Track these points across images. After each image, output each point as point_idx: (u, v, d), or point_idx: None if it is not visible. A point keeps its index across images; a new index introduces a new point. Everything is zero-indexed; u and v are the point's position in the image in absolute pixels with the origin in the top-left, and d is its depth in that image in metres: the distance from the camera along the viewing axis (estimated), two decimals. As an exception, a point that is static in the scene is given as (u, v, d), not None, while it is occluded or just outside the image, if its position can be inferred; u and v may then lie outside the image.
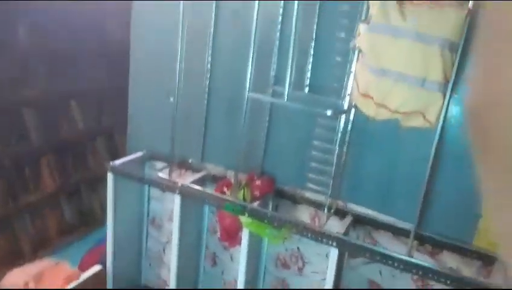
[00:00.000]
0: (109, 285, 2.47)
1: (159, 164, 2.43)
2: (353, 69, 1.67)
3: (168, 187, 2.18)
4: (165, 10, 2.22)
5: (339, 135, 1.76)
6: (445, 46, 1.50)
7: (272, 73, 2.00)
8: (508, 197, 0.37)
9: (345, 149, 1.92)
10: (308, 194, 2.09)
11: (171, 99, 2.11)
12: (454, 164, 1.76)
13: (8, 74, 2.82)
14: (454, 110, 1.71)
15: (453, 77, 1.54)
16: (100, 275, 2.40)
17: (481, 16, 0.41)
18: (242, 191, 2.04)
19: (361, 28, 1.59)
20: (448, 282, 1.68)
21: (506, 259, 0.37)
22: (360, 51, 1.64)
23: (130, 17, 2.41)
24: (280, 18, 1.92)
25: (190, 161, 2.35)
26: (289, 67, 1.79)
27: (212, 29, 2.12)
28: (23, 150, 2.91)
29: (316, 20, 1.85)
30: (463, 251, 1.85)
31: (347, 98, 1.72)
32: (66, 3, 2.97)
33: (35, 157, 2.95)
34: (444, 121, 1.62)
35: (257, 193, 2.07)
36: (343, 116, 1.74)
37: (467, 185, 1.77)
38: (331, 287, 1.91)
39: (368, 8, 1.64)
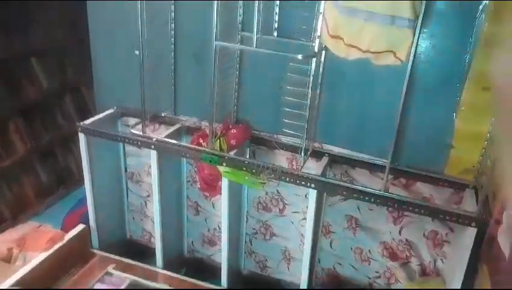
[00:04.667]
0: (95, 242, 2.50)
1: (132, 120, 2.38)
2: (322, 10, 1.63)
3: (143, 143, 2.15)
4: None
5: (311, 77, 1.75)
6: (413, -20, 1.47)
7: (239, 18, 1.93)
8: None
9: (318, 91, 1.91)
10: (284, 139, 2.11)
11: (137, 52, 2.03)
12: (425, 98, 1.78)
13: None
14: (423, 45, 1.71)
15: (422, 13, 1.52)
16: (84, 234, 2.42)
17: None
18: (218, 141, 2.04)
19: (328, -34, 1.53)
20: (422, 211, 1.76)
21: None
22: (327, -10, 1.59)
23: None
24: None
25: (163, 114, 2.31)
26: (256, 11, 1.73)
27: (172, -25, 2.01)
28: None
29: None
30: (435, 181, 1.93)
31: (317, 40, 1.69)
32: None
33: (2, 122, 2.84)
34: (414, 58, 1.62)
35: (233, 142, 2.07)
36: (314, 59, 1.72)
37: (438, 118, 1.82)
38: (311, 225, 1.99)
39: None
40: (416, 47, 1.59)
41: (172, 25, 2.11)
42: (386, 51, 1.59)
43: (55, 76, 3.21)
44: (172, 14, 2.08)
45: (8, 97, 2.90)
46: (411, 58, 1.61)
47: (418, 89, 1.75)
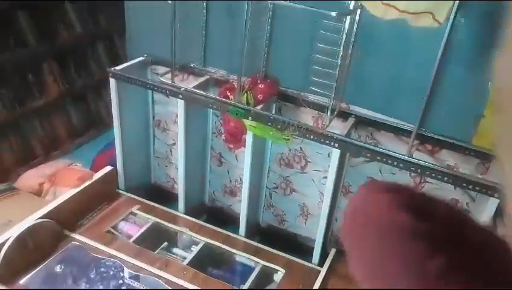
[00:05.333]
0: (121, 185, 2.60)
1: (161, 69, 2.40)
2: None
3: (171, 92, 2.18)
4: None
5: (344, 36, 1.71)
6: None
7: (274, -31, 1.89)
8: None
9: (349, 51, 1.88)
10: (312, 97, 2.10)
11: (169, 1, 2.02)
12: (460, 65, 1.73)
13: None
14: (462, 10, 1.64)
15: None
16: (112, 175, 2.52)
17: None
18: (245, 94, 2.05)
19: None
20: (445, 179, 1.76)
21: None
22: None
23: None
24: None
25: (192, 65, 2.32)
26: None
27: None
28: (24, 56, 2.87)
29: None
30: (462, 149, 1.91)
31: (353, -2, 1.64)
32: None
33: (37, 63, 2.91)
34: (453, 21, 1.56)
35: (260, 96, 2.07)
36: (349, 17, 1.68)
37: (471, 86, 1.77)
38: (332, 184, 2.01)
39: None
40: (456, 11, 1.53)
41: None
42: (424, 12, 1.54)
43: (89, 22, 3.24)
44: (207, -38, 2.05)
45: (42, 39, 2.95)
46: (450, 21, 1.56)
47: (454, 55, 1.70)
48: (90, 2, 3.21)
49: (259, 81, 2.12)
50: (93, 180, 2.40)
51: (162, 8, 2.13)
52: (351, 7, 1.66)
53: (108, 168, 2.50)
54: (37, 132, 2.98)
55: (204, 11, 2.16)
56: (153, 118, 2.72)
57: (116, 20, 2.82)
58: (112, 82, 2.30)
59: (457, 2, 1.50)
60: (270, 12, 2.01)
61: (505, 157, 0.36)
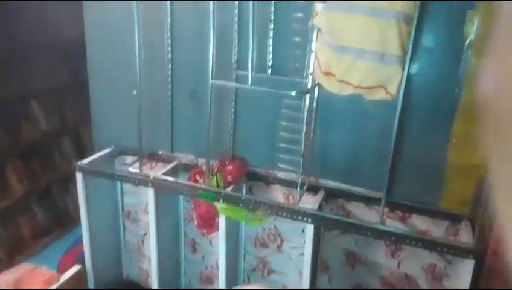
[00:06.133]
0: (90, 283, 2.46)
1: (129, 158, 2.40)
2: (313, 47, 1.69)
3: (140, 181, 2.17)
4: (117, 3, 2.16)
5: (305, 113, 1.79)
6: (401, 19, 1.53)
7: (234, 57, 2.00)
8: None
9: (312, 126, 1.95)
10: (281, 174, 2.12)
11: (134, 92, 2.08)
12: (418, 131, 1.82)
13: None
14: (413, 80, 1.76)
15: (410, 49, 1.58)
16: (80, 275, 2.38)
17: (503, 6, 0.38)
18: (215, 177, 2.06)
19: (318, 6, 1.60)
20: (420, 244, 1.76)
21: None
22: (318, 29, 1.66)
23: (82, 12, 2.33)
24: (236, 2, 1.91)
25: (160, 152, 2.34)
26: (250, 50, 1.80)
27: (169, 19, 2.08)
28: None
29: (273, 1, 1.84)
30: (431, 213, 1.94)
31: (310, 77, 1.74)
32: (12, 3, 2.84)
33: (0, 164, 2.86)
34: (404, 92, 1.67)
35: (230, 178, 2.08)
36: (308, 95, 1.77)
37: (431, 150, 1.85)
38: (309, 261, 1.98)
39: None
40: (405, 82, 1.64)
41: (170, 65, 2.17)
42: (377, 86, 1.64)
43: (54, 117, 3.26)
44: (169, 55, 2.15)
45: (6, 138, 2.93)
46: (401, 92, 1.66)
47: (410, 122, 1.79)
48: (56, 97, 3.25)
49: (227, 163, 2.14)
50: (59, 282, 2.26)
51: (127, 97, 2.19)
52: (309, 86, 1.76)
53: (76, 267, 2.37)
54: (0, 236, 2.85)
55: (169, 98, 2.23)
56: (122, 209, 2.66)
57: (81, 112, 2.85)
58: (79, 176, 2.27)
59: (405, 74, 1.62)
60: (234, 96, 2.09)
61: (496, 167, 0.35)
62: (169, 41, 2.12)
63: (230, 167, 2.11)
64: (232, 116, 2.12)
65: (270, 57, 1.93)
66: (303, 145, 1.81)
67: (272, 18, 1.86)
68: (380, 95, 1.66)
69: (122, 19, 2.13)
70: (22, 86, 2.97)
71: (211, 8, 1.81)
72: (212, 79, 1.85)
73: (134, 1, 1.95)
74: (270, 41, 1.91)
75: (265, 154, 2.13)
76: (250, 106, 2.09)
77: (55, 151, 3.29)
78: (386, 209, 1.94)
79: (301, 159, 1.84)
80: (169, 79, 2.19)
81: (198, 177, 2.12)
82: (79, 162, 2.27)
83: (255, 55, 1.85)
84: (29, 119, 3.08)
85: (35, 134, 3.09)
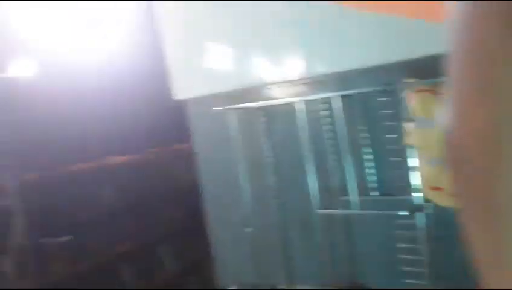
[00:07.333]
0: None
1: (250, 295, 2.42)
2: (413, 164, 1.65)
3: (264, 319, 2.15)
4: (222, 142, 2.37)
5: (423, 231, 1.69)
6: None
7: (336, 183, 2.02)
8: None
9: (432, 244, 1.82)
10: (409, 298, 1.95)
11: (247, 230, 2.17)
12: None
13: (101, 230, 3.08)
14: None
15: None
16: None
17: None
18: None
19: (408, 126, 1.60)
20: None
21: None
22: (414, 147, 1.63)
23: (194, 156, 2.59)
24: (328, 126, 1.98)
25: (279, 287, 2.32)
26: (350, 175, 1.81)
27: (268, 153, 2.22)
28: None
29: (365, 122, 1.89)
30: None
31: (417, 194, 1.68)
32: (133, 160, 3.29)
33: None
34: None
35: (355, 307, 1.97)
36: (420, 213, 1.69)
37: None
38: None
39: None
40: None
41: (276, 200, 2.25)
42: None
43: (180, 259, 3.49)
44: (274, 191, 2.24)
45: (138, 283, 3.17)
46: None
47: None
48: (178, 240, 3.51)
49: (349, 291, 2.05)
50: None
51: (241, 234, 2.27)
52: (419, 202, 1.69)
53: None
54: None
55: (280, 232, 2.27)
56: None
57: (202, 252, 3.03)
58: (206, 318, 2.32)
59: None
60: (343, 221, 2.06)
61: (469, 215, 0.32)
62: (273, 178, 2.24)
63: (352, 297, 2.01)
64: (345, 243, 2.08)
65: (373, 178, 1.92)
66: (427, 265, 1.68)
67: (368, 143, 1.89)
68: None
69: (228, 153, 2.32)
70: (149, 235, 3.29)
71: (305, 139, 1.90)
72: (318, 209, 1.88)
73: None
74: (370, 163, 1.91)
75: (390, 279, 1.99)
76: (362, 230, 2.04)
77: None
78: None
79: (425, 280, 1.69)
80: (277, 213, 2.26)
81: (322, 310, 2.04)
82: (205, 304, 2.34)
83: (357, 179, 1.85)
84: (159, 264, 3.33)
85: (165, 276, 3.31)
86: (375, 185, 1.91)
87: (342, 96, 1.89)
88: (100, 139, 3.12)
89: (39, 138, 2.97)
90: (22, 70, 2.99)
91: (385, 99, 1.80)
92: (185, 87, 2.47)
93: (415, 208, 1.69)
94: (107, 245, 3.07)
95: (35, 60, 3.04)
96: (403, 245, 1.78)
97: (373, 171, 1.91)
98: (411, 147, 1.66)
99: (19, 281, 2.81)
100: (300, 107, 2.00)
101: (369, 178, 1.92)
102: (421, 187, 1.67)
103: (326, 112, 1.98)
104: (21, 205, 2.80)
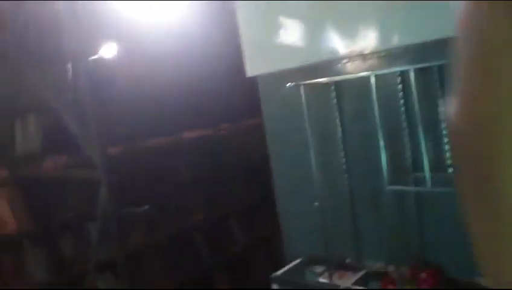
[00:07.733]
0: None
1: (318, 268, 2.45)
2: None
3: (330, 292, 2.17)
4: (293, 118, 2.40)
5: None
6: None
7: (408, 158, 1.97)
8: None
9: None
10: (485, 281, 1.88)
11: (316, 204, 2.19)
12: None
13: (176, 201, 3.26)
14: None
15: None
16: None
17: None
18: (408, 287, 1.94)
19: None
20: None
21: None
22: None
23: (265, 132, 2.64)
24: (402, 101, 1.93)
25: (347, 261, 2.33)
26: (425, 151, 1.76)
27: (339, 129, 2.22)
28: (197, 270, 3.23)
29: (441, 96, 1.82)
30: None
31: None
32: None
33: (208, 279, 3.23)
34: None
35: (425, 287, 1.93)
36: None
37: None
38: None
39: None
40: None
41: (346, 175, 2.24)
42: None
43: (250, 232, 3.60)
44: (344, 165, 2.24)
45: (214, 252, 3.32)
46: None
47: None
48: (249, 214, 3.62)
49: (420, 271, 2.00)
50: None
51: (310, 208, 2.29)
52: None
53: None
54: None
55: (349, 206, 2.27)
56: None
57: (271, 225, 3.10)
58: (274, 287, 2.39)
59: None
60: (414, 198, 2.02)
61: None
62: (343, 153, 2.23)
63: (423, 275, 1.97)
64: (416, 219, 2.03)
65: (447, 154, 1.85)
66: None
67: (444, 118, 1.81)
68: None
69: (301, 141, 2.35)
70: (222, 207, 3.42)
71: (377, 114, 1.87)
72: (388, 185, 1.85)
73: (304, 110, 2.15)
74: (447, 139, 1.84)
75: (463, 260, 1.92)
76: (435, 208, 1.98)
77: (252, 264, 3.56)
78: None
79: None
80: (347, 189, 2.26)
81: (391, 287, 2.03)
82: (273, 274, 2.41)
83: (430, 154, 1.80)
84: (230, 235, 3.46)
85: (235, 248, 3.44)
86: (450, 161, 1.84)
87: (417, 70, 1.83)
88: (176, 115, 3.28)
89: (122, 114, 3.18)
90: (108, 52, 3.21)
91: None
92: (257, 64, 2.52)
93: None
94: (182, 216, 3.24)
95: (119, 43, 3.25)
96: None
97: (447, 147, 1.84)
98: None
99: (102, 247, 3.04)
100: (373, 81, 1.96)
101: (443, 155, 1.85)
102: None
103: (400, 86, 1.93)
104: (106, 177, 3.01)
